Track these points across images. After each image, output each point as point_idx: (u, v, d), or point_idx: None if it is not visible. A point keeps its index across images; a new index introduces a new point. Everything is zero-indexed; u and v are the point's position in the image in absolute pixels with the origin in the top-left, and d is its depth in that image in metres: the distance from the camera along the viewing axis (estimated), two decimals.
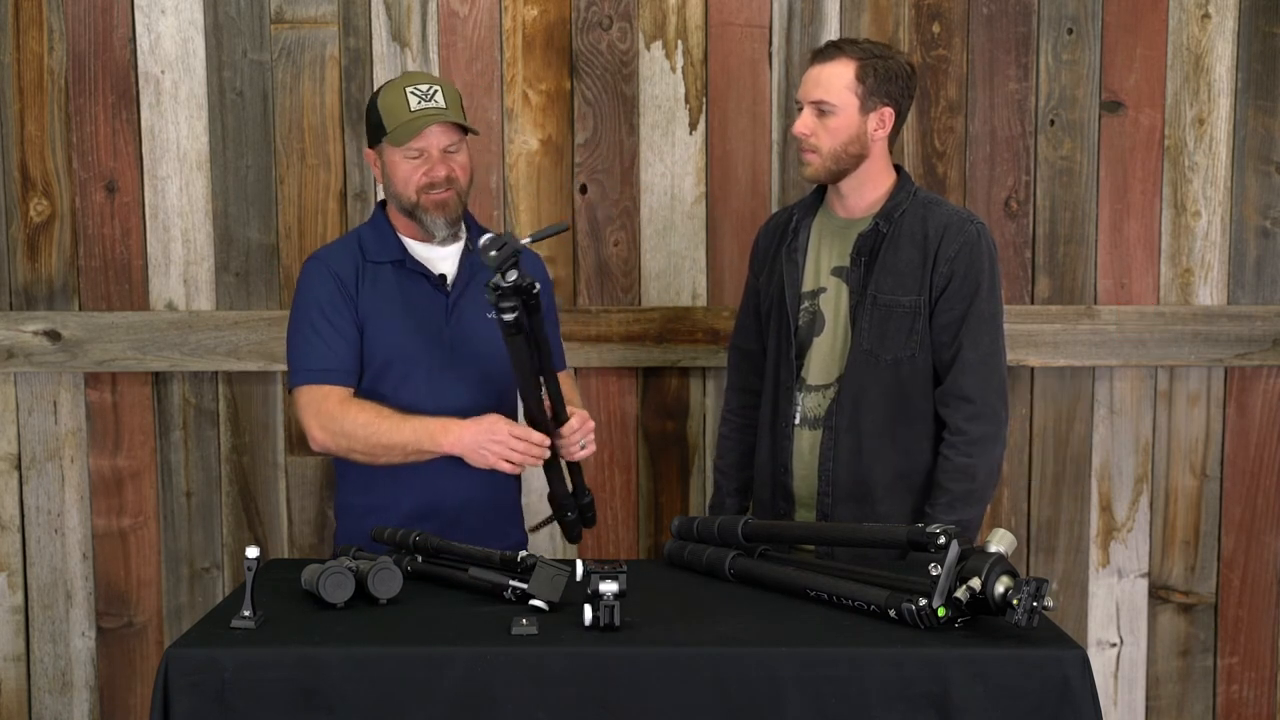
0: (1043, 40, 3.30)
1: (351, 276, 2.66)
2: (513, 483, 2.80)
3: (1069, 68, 3.30)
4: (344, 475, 2.75)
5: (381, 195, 2.91)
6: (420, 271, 2.68)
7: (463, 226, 2.73)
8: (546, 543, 3.34)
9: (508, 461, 2.54)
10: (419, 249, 2.70)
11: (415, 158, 2.62)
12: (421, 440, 2.56)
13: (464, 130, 2.65)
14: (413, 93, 2.61)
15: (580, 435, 2.63)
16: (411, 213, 2.66)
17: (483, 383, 2.69)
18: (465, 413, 2.59)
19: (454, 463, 2.61)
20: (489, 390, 2.70)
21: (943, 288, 2.68)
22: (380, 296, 2.66)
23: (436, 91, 2.62)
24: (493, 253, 2.36)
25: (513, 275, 2.37)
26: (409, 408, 2.61)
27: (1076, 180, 3.33)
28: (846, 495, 2.72)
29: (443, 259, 2.71)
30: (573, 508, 2.71)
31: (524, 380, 2.54)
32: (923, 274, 2.68)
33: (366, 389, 2.67)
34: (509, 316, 2.41)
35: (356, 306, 2.66)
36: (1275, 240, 3.36)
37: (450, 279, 2.70)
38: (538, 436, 2.54)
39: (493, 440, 2.53)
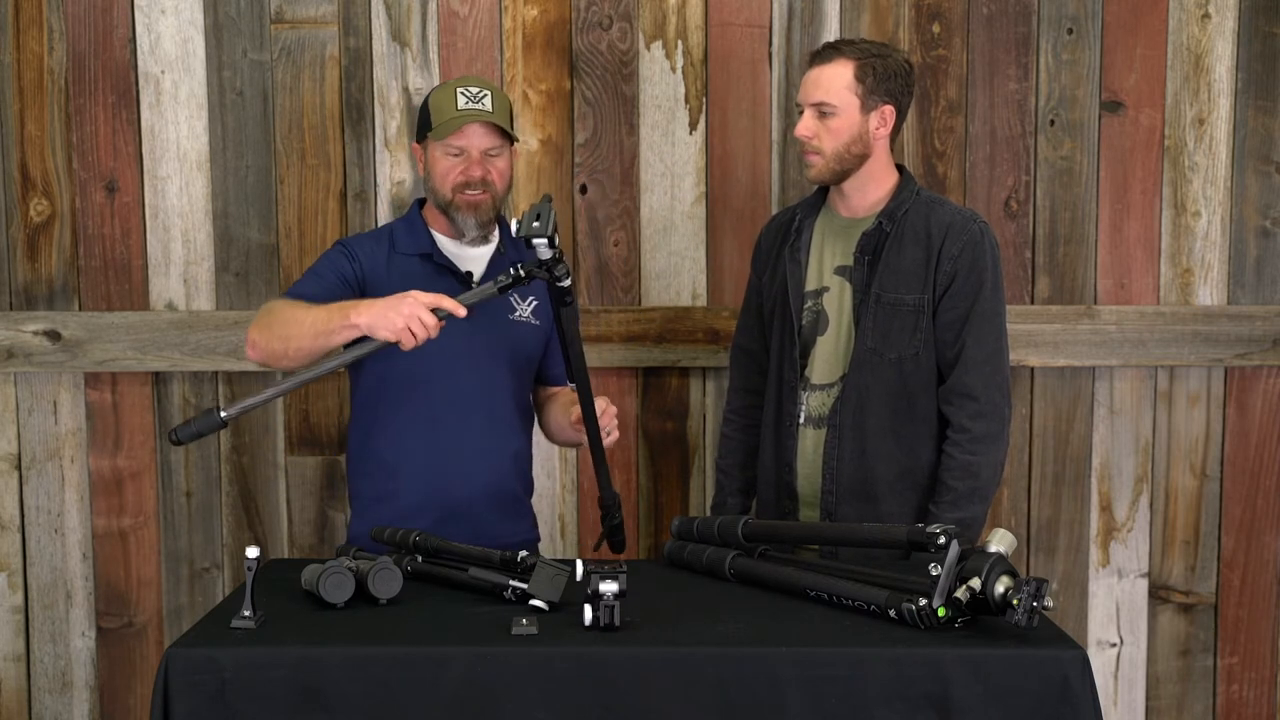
0: (1043, 40, 3.30)
1: (377, 265, 2.70)
2: (521, 480, 2.82)
3: (1069, 68, 3.30)
4: (356, 467, 2.78)
5: (420, 194, 2.92)
6: (447, 266, 2.72)
7: (495, 230, 2.76)
8: (547, 543, 3.34)
9: (410, 330, 2.36)
10: (449, 246, 2.74)
11: (455, 155, 2.66)
12: (332, 316, 2.45)
13: (506, 136, 2.68)
14: (462, 93, 2.66)
15: (608, 419, 2.61)
16: (445, 209, 2.70)
17: (499, 381, 2.70)
18: (482, 412, 2.64)
19: (464, 456, 2.67)
20: (506, 388, 2.72)
21: (946, 286, 2.68)
22: (404, 285, 2.66)
23: (486, 96, 2.67)
24: (536, 223, 2.34)
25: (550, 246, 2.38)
26: (426, 402, 2.65)
27: (1076, 180, 3.33)
28: (851, 493, 2.73)
29: (472, 259, 2.74)
30: (618, 509, 2.71)
31: (579, 358, 2.52)
32: (926, 272, 2.68)
33: (382, 376, 2.70)
34: (568, 283, 2.43)
35: (369, 293, 2.65)
36: (1275, 240, 3.36)
37: (477, 277, 2.72)
38: (449, 304, 2.39)
39: (400, 304, 2.37)
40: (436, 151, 2.68)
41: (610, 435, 2.61)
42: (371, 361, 2.64)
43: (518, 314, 2.77)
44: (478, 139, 2.65)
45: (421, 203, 2.81)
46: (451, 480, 2.69)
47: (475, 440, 2.70)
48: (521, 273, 2.41)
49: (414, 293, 2.40)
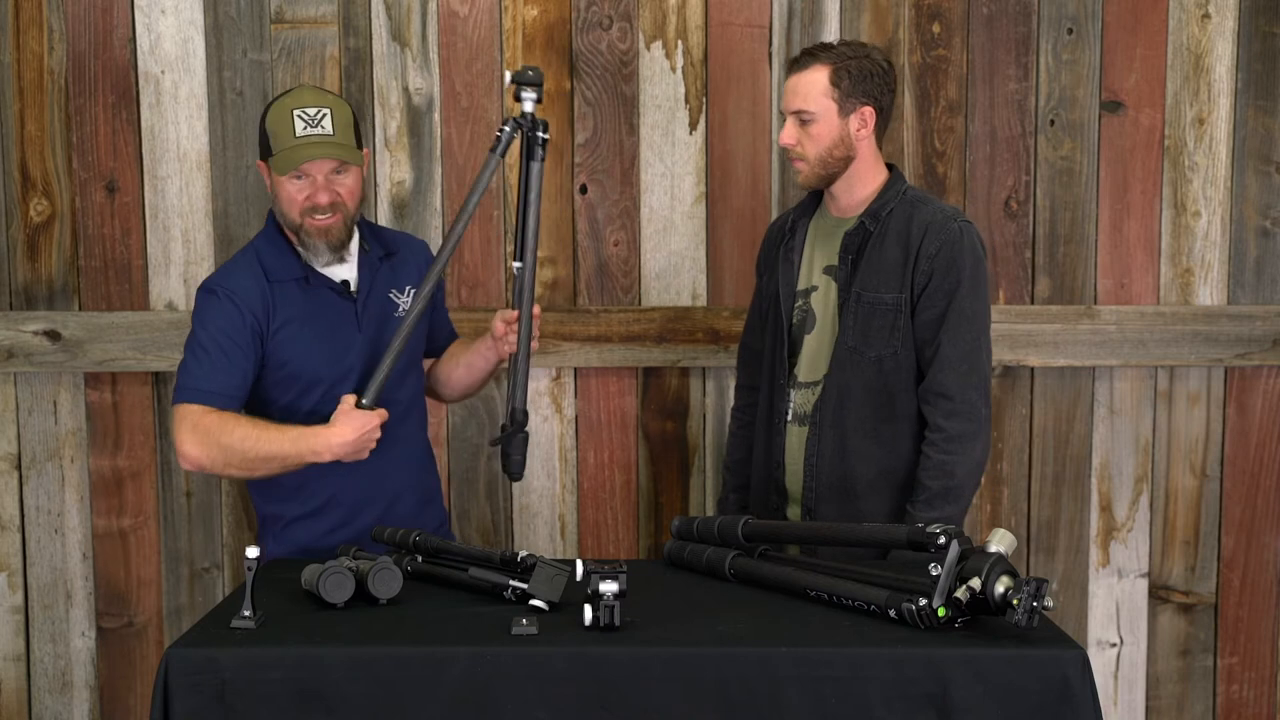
0: (1043, 40, 3.30)
1: (259, 302, 2.61)
2: (433, 470, 2.86)
3: (1069, 68, 3.30)
4: (270, 494, 2.71)
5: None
6: (325, 285, 2.66)
7: (354, 239, 2.69)
8: (547, 543, 3.35)
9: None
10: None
11: (298, 179, 2.58)
12: (303, 453, 2.54)
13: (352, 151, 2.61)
14: (299, 115, 2.56)
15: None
16: (296, 234, 2.63)
17: (397, 378, 2.66)
18: (394, 412, 2.60)
19: (388, 458, 2.64)
20: (407, 384, 2.73)
21: (923, 285, 2.67)
22: (291, 315, 2.64)
23: (325, 116, 2.57)
24: (530, 73, 2.57)
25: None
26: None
27: (1076, 180, 3.33)
28: (830, 491, 2.73)
29: (344, 267, 2.69)
30: (525, 423, 2.70)
31: (535, 224, 2.67)
32: (904, 272, 2.68)
33: (286, 407, 2.64)
34: (545, 136, 2.63)
35: (265, 333, 2.61)
36: (1275, 240, 3.36)
37: (354, 284, 2.69)
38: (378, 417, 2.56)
39: (371, 438, 2.54)
40: (279, 177, 2.58)
41: (532, 339, 2.69)
42: (274, 402, 2.65)
43: (400, 309, 2.72)
44: (319, 164, 2.57)
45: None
46: (382, 485, 2.68)
47: (393, 442, 2.64)
48: (506, 128, 2.57)
49: (368, 420, 2.54)
